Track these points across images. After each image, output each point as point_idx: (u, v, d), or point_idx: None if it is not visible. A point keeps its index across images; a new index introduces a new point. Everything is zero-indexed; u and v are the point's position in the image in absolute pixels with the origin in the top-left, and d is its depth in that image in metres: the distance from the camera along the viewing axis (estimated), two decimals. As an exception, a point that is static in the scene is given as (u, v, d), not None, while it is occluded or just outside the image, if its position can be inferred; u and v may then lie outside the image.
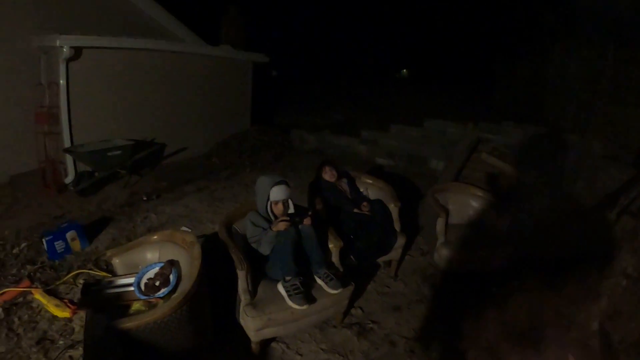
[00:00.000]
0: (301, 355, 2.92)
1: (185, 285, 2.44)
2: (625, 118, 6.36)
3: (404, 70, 20.97)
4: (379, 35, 17.44)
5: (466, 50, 14.30)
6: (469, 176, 5.99)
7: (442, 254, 3.76)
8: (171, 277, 2.65)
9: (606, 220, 4.59)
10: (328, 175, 4.06)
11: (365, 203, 3.91)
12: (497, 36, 11.65)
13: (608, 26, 6.72)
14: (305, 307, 2.66)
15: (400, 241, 3.80)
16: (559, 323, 2.81)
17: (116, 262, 2.94)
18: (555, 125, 7.74)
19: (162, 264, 2.76)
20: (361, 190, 4.25)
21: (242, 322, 2.75)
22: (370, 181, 4.38)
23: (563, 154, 6.42)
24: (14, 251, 3.95)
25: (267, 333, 2.75)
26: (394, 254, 3.85)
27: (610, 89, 6.79)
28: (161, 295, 2.56)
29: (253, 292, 2.78)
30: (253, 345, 2.78)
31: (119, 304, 2.60)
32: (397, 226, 3.93)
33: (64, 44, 5.34)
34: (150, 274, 2.72)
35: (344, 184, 4.13)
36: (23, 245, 4.04)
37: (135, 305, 2.56)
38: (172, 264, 2.76)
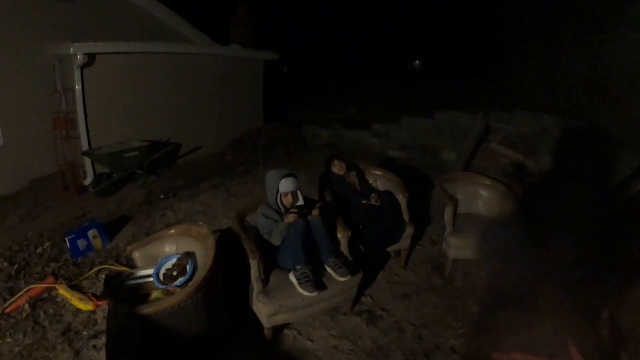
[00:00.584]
0: (312, 341, 3.04)
1: (200, 274, 2.59)
2: (637, 102, 6.30)
3: (417, 61, 20.78)
4: (390, 27, 17.37)
5: (478, 39, 14.20)
6: (478, 166, 6.02)
7: (451, 242, 3.83)
8: (188, 267, 2.81)
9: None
10: (337, 168, 4.15)
11: (374, 194, 4.00)
12: (508, 24, 11.58)
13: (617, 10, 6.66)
14: (315, 294, 2.79)
15: (409, 231, 3.89)
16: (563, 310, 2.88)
17: (136, 255, 3.12)
18: (567, 112, 7.67)
19: (179, 256, 2.93)
20: (370, 181, 4.34)
21: (255, 309, 2.90)
22: (379, 173, 4.47)
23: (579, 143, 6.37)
24: (38, 250, 4.11)
25: (279, 319, 2.88)
26: (403, 243, 3.94)
27: (621, 74, 6.71)
28: (179, 284, 2.71)
29: (265, 281, 2.92)
30: (266, 332, 2.92)
31: (139, 294, 2.76)
32: (405, 216, 4.02)
33: (78, 51, 5.51)
34: (168, 264, 2.89)
35: (353, 176, 4.22)
36: (46, 244, 4.20)
37: (155, 294, 2.73)
38: (188, 255, 2.92)
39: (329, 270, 3.03)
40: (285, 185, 3.22)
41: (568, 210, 4.53)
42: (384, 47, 17.79)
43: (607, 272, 3.49)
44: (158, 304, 2.39)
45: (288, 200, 3.27)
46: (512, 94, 10.17)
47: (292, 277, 2.91)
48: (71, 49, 5.46)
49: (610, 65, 6.94)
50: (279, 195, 3.26)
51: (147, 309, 2.34)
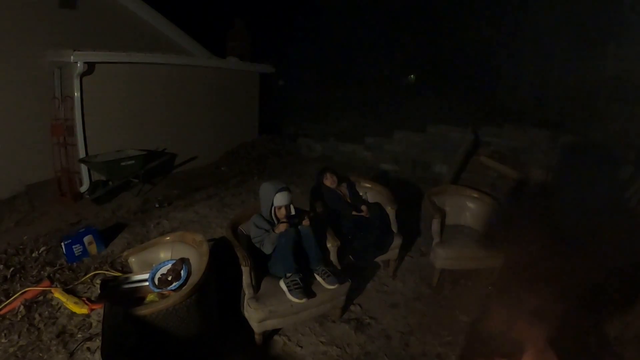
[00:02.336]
0: (301, 347, 3.13)
1: (194, 278, 2.69)
2: (627, 115, 6.45)
3: (412, 75, 20.91)
4: (386, 42, 17.56)
5: (471, 54, 14.40)
6: (468, 179, 6.15)
7: (438, 253, 3.93)
8: (182, 272, 2.91)
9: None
10: (329, 181, 4.25)
11: (364, 207, 4.11)
12: (501, 38, 11.78)
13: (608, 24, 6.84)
14: (304, 301, 2.89)
15: (397, 242, 4.00)
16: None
17: (132, 260, 3.22)
18: (557, 126, 7.82)
19: (174, 261, 3.03)
20: (360, 194, 4.44)
21: (246, 314, 2.99)
22: (369, 185, 4.57)
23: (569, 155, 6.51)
24: (34, 255, 4.18)
25: (269, 325, 2.97)
26: (392, 254, 4.04)
27: (612, 87, 6.88)
28: (173, 288, 2.81)
29: (256, 287, 3.02)
30: (256, 337, 3.01)
31: (135, 297, 2.86)
32: (394, 227, 4.11)
33: (78, 60, 5.59)
34: (163, 270, 2.99)
35: (344, 188, 4.31)
36: (42, 249, 4.28)
37: (150, 297, 2.83)
38: (183, 261, 3.02)
39: (318, 278, 3.13)
40: (280, 199, 3.31)
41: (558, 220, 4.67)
42: (379, 62, 17.98)
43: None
44: (153, 305, 2.49)
45: (282, 213, 3.36)
46: (504, 109, 10.34)
47: (282, 285, 3.01)
48: (71, 57, 5.53)
49: (599, 80, 7.10)
50: (273, 208, 3.36)
51: (142, 311, 2.44)
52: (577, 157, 6.38)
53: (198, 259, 2.95)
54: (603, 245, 4.04)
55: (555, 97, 8.70)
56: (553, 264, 3.93)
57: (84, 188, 6.05)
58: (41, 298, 3.48)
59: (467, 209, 4.53)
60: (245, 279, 2.96)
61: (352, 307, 3.64)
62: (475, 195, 4.55)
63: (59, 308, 3.36)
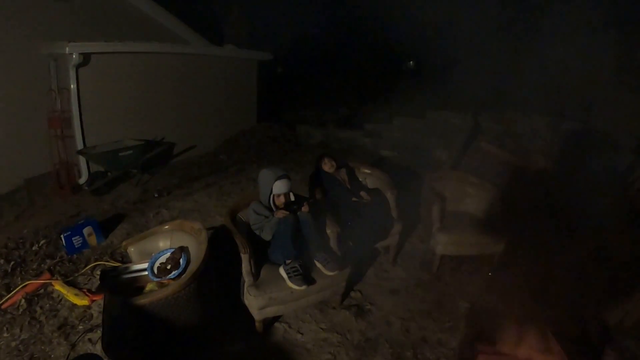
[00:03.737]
0: (302, 334, 3.13)
1: (193, 267, 2.69)
2: (627, 103, 6.40)
3: (411, 62, 20.78)
4: (385, 27, 17.43)
5: (473, 40, 14.30)
6: (468, 165, 6.12)
7: (439, 239, 3.92)
8: (181, 260, 2.91)
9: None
10: (327, 166, 4.22)
11: (362, 192, 4.09)
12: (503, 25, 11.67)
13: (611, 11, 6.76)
14: (303, 287, 2.89)
15: (397, 227, 3.98)
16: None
17: (131, 250, 3.22)
18: (559, 113, 7.77)
19: (172, 250, 3.02)
20: (360, 179, 4.42)
21: (246, 301, 2.99)
22: (369, 171, 4.55)
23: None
24: (34, 248, 4.18)
25: (269, 312, 2.98)
26: (391, 240, 4.03)
27: (613, 75, 6.82)
28: (172, 277, 2.80)
29: (256, 274, 3.01)
30: (257, 324, 3.01)
31: (134, 287, 2.86)
32: (394, 213, 4.09)
33: (73, 51, 5.53)
34: (162, 259, 2.99)
35: (343, 174, 4.28)
36: (42, 242, 4.28)
37: (149, 286, 2.84)
38: (182, 249, 3.02)
39: (318, 264, 3.12)
40: (280, 187, 3.29)
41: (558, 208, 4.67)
42: (378, 48, 17.86)
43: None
44: (152, 295, 2.49)
45: (281, 200, 3.34)
46: (505, 95, 10.27)
47: (282, 271, 3.00)
48: (67, 48, 5.47)
49: (602, 67, 7.04)
50: (272, 196, 3.34)
51: (142, 300, 2.43)
52: (578, 144, 6.35)
53: (197, 247, 2.94)
54: (602, 233, 4.05)
55: (557, 84, 8.62)
56: (551, 249, 3.95)
57: (82, 180, 6.04)
58: (42, 291, 3.48)
59: (468, 195, 4.52)
60: (245, 266, 2.95)
61: (352, 294, 3.65)
62: (476, 182, 4.54)
63: (60, 300, 3.37)
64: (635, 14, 6.37)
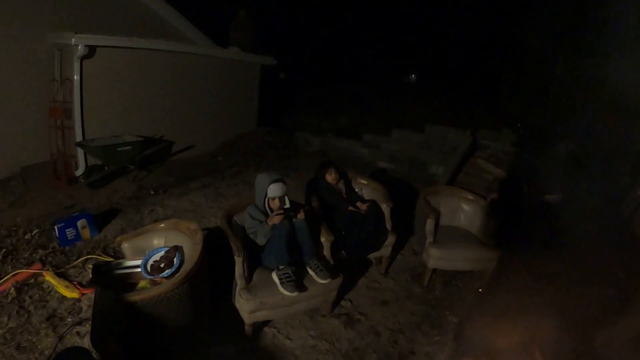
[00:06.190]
0: (291, 340, 3.14)
1: (187, 267, 2.69)
2: (623, 126, 6.46)
3: (412, 75, 20.98)
4: (388, 40, 17.59)
5: (473, 58, 14.47)
6: (463, 181, 6.16)
7: (431, 253, 3.94)
8: (175, 259, 2.91)
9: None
10: (331, 177, 4.22)
11: (359, 203, 4.12)
12: (504, 44, 11.83)
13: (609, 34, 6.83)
14: (295, 294, 2.90)
15: (391, 239, 4.02)
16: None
17: (125, 246, 3.21)
18: (556, 133, 7.83)
19: (167, 248, 3.02)
20: (356, 190, 4.45)
21: (237, 304, 3.00)
22: (365, 182, 4.58)
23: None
24: (26, 237, 4.16)
25: (260, 316, 2.99)
26: (384, 251, 4.06)
27: (611, 97, 6.88)
28: (165, 275, 2.80)
29: (249, 278, 3.03)
30: (246, 328, 3.02)
31: (127, 283, 2.86)
32: (388, 225, 4.12)
33: (79, 43, 5.54)
34: (156, 256, 3.00)
35: (341, 184, 4.32)
36: (35, 231, 4.25)
37: (142, 283, 2.83)
38: (176, 248, 3.02)
39: (310, 272, 3.14)
40: (274, 190, 3.32)
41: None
42: (381, 60, 18.01)
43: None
44: (145, 292, 2.50)
45: (275, 204, 3.36)
46: (503, 114, 10.37)
47: (274, 277, 3.02)
48: (73, 39, 5.49)
49: (600, 89, 7.11)
50: (267, 199, 3.36)
51: (134, 297, 2.44)
52: (574, 166, 6.40)
53: (191, 248, 2.95)
54: (596, 253, 4.08)
55: (555, 105, 8.72)
56: (546, 269, 3.98)
57: (79, 172, 6.02)
58: (32, 281, 3.46)
59: (462, 210, 4.56)
60: (238, 270, 2.96)
61: (342, 303, 3.66)
62: (470, 198, 4.58)
63: (50, 291, 3.35)
64: (635, 38, 6.43)
